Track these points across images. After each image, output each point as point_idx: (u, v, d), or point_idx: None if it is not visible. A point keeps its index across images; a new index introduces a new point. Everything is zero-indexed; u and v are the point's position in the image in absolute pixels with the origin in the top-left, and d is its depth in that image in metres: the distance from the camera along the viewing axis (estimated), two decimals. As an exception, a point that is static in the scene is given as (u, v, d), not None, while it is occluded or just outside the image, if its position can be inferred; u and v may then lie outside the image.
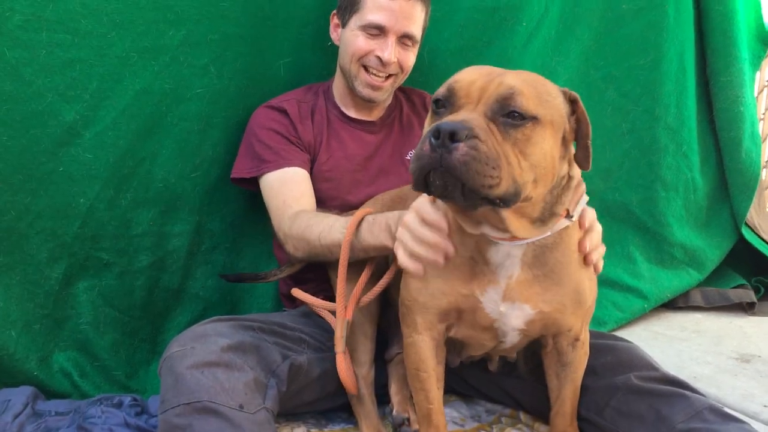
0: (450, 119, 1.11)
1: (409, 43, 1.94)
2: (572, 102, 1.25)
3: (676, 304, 2.83)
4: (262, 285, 2.17)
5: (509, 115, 1.13)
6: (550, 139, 1.17)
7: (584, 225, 1.38)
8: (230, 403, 1.38)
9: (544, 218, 1.27)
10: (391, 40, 1.89)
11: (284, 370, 1.58)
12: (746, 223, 2.99)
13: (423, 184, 1.14)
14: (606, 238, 2.72)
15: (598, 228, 1.46)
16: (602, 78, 2.68)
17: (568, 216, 1.31)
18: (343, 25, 1.95)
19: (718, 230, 2.96)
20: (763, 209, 3.28)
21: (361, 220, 1.59)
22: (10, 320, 1.88)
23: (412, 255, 1.37)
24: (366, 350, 1.74)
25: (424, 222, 1.35)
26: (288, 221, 1.80)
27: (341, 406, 1.81)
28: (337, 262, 1.61)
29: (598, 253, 1.43)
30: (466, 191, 1.09)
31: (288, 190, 1.88)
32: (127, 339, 2.06)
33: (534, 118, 1.14)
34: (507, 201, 1.14)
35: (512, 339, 1.47)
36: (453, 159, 1.07)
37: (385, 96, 1.99)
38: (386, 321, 1.84)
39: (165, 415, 1.38)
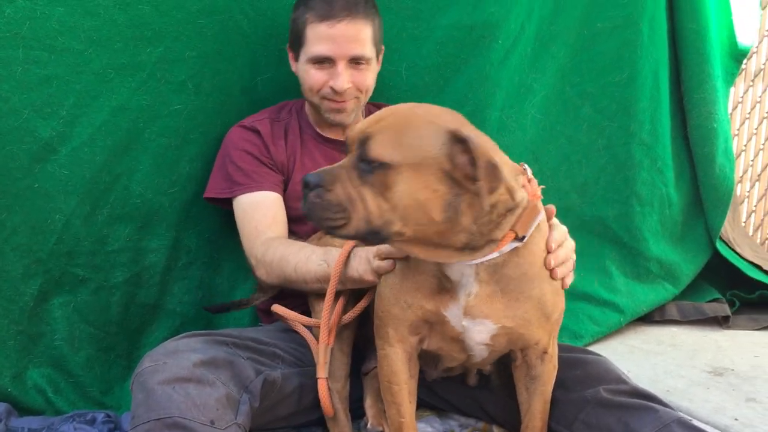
0: (318, 170, 1.27)
1: (363, 63, 1.90)
2: (461, 141, 1.21)
3: (652, 317, 2.86)
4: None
5: (365, 162, 1.21)
6: (412, 182, 1.19)
7: (551, 247, 1.41)
8: (201, 418, 1.37)
9: (474, 246, 1.29)
10: (341, 67, 1.87)
11: (257, 385, 1.58)
12: (721, 238, 3.03)
13: None
14: (582, 253, 2.74)
15: (569, 243, 1.48)
16: (578, 94, 2.72)
17: (520, 238, 1.33)
18: (296, 58, 1.95)
19: (693, 245, 3.00)
20: (738, 224, 3.33)
21: (349, 253, 1.62)
22: (-16, 336, 1.88)
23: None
24: (342, 365, 1.75)
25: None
26: (261, 248, 1.81)
27: (316, 421, 1.82)
28: (310, 291, 1.71)
29: (566, 267, 1.45)
30: None
31: (260, 215, 1.89)
32: (102, 355, 2.05)
33: (385, 164, 1.19)
34: (375, 237, 1.24)
35: (480, 353, 1.48)
36: (305, 205, 1.25)
37: (352, 117, 1.99)
38: (363, 336, 1.84)
39: (135, 431, 1.37)
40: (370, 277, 1.56)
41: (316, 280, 1.68)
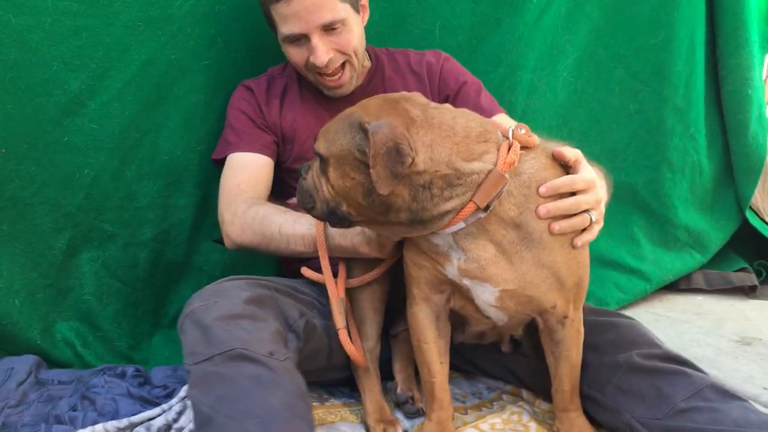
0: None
1: (338, 25, 1.76)
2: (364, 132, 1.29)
3: (678, 286, 2.83)
4: (265, 259, 2.16)
5: (318, 154, 1.37)
6: (336, 172, 1.34)
7: (543, 192, 1.35)
8: (261, 350, 1.38)
9: (422, 220, 1.32)
10: (315, 40, 1.75)
11: (300, 326, 1.58)
12: (750, 207, 2.98)
13: None
14: (610, 220, 2.72)
15: (586, 197, 1.38)
16: (611, 57, 2.66)
17: (484, 208, 1.32)
18: (277, 39, 1.86)
19: (722, 213, 2.95)
20: (767, 193, 3.27)
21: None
22: (14, 289, 1.89)
23: None
24: (374, 324, 1.73)
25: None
26: (243, 204, 1.76)
27: (344, 380, 1.82)
28: (289, 254, 1.71)
29: (569, 223, 1.36)
30: None
31: (246, 174, 1.84)
32: (130, 310, 2.06)
33: (323, 158, 1.35)
34: (335, 218, 1.41)
35: (496, 315, 1.48)
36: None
37: (353, 84, 1.90)
38: (393, 298, 1.84)
39: (199, 366, 1.37)
40: (365, 249, 1.58)
41: (302, 243, 1.66)
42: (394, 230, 1.39)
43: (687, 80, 2.75)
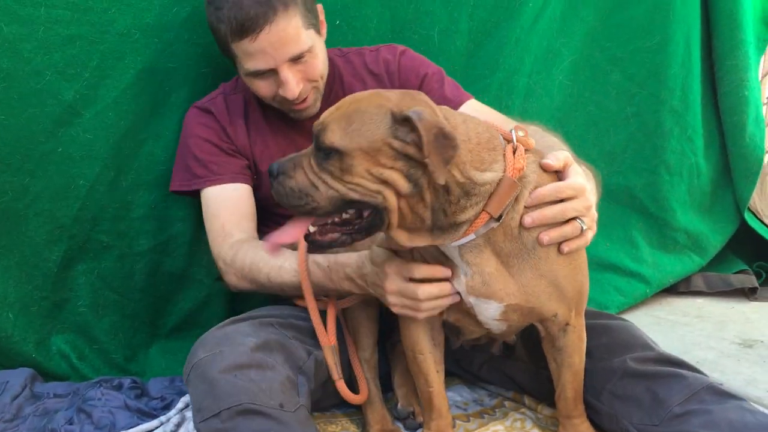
0: (284, 158, 1.31)
1: (305, 56, 1.69)
2: (406, 120, 1.21)
3: (677, 288, 2.82)
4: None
5: (321, 150, 1.24)
6: (365, 163, 1.22)
7: (531, 202, 1.32)
8: (271, 403, 1.34)
9: (441, 227, 1.27)
10: (284, 74, 1.67)
11: (311, 366, 1.56)
12: (749, 208, 2.98)
13: None
14: (608, 223, 2.75)
15: (572, 204, 1.33)
16: (607, 60, 2.65)
17: (496, 218, 1.28)
18: (234, 67, 1.77)
19: (721, 215, 2.94)
20: (765, 194, 3.27)
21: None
22: (8, 302, 1.87)
23: (422, 311, 1.41)
24: (369, 333, 1.71)
25: (412, 280, 1.39)
26: (230, 251, 1.71)
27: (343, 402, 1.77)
28: (288, 296, 1.70)
29: (558, 232, 1.32)
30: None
31: (227, 213, 1.77)
32: (126, 322, 2.04)
33: (338, 151, 1.22)
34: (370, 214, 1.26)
35: (497, 327, 1.46)
36: (273, 193, 1.29)
37: (317, 104, 1.82)
38: (387, 308, 1.81)
39: (206, 423, 1.34)
40: (356, 290, 1.54)
41: (294, 289, 1.63)
42: (416, 238, 1.29)
43: (683, 82, 2.75)
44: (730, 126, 2.89)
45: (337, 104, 1.28)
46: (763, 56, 3.10)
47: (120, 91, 1.86)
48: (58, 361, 1.96)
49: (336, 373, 1.59)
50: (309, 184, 1.25)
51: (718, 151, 2.93)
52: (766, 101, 3.49)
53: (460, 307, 1.42)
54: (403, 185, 1.22)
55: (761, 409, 1.45)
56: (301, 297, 1.62)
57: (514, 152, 1.30)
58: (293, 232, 1.31)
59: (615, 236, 2.72)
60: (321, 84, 1.79)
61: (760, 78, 3.13)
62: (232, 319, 1.60)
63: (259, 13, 1.60)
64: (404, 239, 1.28)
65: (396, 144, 1.21)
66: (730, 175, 2.95)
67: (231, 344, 1.44)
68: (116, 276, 1.99)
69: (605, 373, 1.57)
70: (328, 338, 1.59)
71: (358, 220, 1.27)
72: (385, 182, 1.22)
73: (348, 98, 1.28)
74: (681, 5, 2.69)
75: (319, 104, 1.83)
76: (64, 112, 1.82)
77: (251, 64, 1.67)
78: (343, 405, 1.80)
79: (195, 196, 1.86)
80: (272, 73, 1.69)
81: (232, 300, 2.14)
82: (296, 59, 1.68)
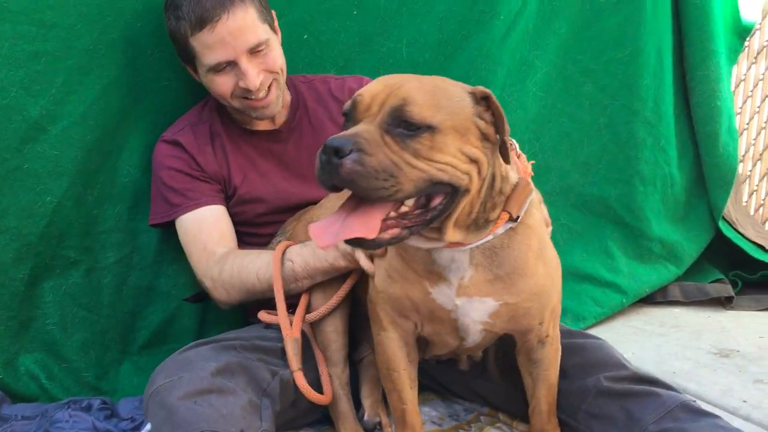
0: (341, 134, 1.12)
1: (263, 47, 1.74)
2: (484, 99, 1.21)
3: (654, 298, 2.82)
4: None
5: (403, 126, 1.12)
6: (457, 142, 1.16)
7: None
8: (231, 429, 1.32)
9: (478, 224, 1.26)
10: (244, 65, 1.72)
11: (275, 388, 1.54)
12: (723, 218, 2.99)
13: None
14: (584, 233, 2.75)
15: None
16: (580, 72, 2.67)
17: (513, 219, 1.29)
18: (195, 71, 1.82)
19: (695, 224, 2.96)
20: (740, 203, 3.29)
21: (284, 251, 1.66)
22: (-26, 323, 1.83)
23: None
24: (338, 347, 1.70)
25: None
26: (216, 267, 1.74)
27: (327, 416, 1.76)
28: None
29: None
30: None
31: (206, 234, 1.80)
32: (96, 339, 2.01)
33: (429, 127, 1.13)
34: (447, 190, 1.15)
35: (474, 337, 1.44)
36: (341, 174, 1.08)
37: (279, 103, 1.86)
38: (354, 321, 1.80)
39: None
40: (342, 263, 1.57)
41: (285, 283, 1.64)
42: (456, 230, 1.23)
43: (655, 93, 2.77)
44: (704, 136, 2.92)
45: (388, 83, 1.19)
46: (734, 66, 3.13)
47: (86, 107, 1.85)
48: (27, 381, 1.92)
49: (294, 364, 1.57)
50: (392, 164, 1.10)
51: (691, 161, 2.95)
52: (739, 111, 3.53)
53: (435, 317, 1.40)
54: (485, 167, 1.19)
55: (735, 425, 1.45)
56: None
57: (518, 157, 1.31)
58: (359, 225, 1.12)
59: (591, 247, 2.73)
60: (281, 78, 1.82)
61: (732, 88, 3.17)
62: (194, 343, 1.59)
63: (216, 4, 1.67)
64: (449, 232, 1.22)
65: (480, 123, 1.19)
66: (704, 184, 2.97)
67: (191, 369, 1.42)
68: (84, 292, 1.96)
69: (580, 393, 1.57)
70: (291, 331, 1.59)
71: (419, 211, 1.17)
72: (474, 162, 1.17)
73: (397, 77, 1.20)
74: (652, 17, 2.72)
75: (281, 102, 1.86)
76: (30, 128, 1.80)
77: (211, 58, 1.70)
78: (316, 423, 1.78)
79: (170, 227, 1.89)
80: (232, 66, 1.72)
81: (202, 313, 2.12)
82: (254, 50, 1.72)
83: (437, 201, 1.17)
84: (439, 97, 1.16)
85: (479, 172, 1.18)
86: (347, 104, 1.20)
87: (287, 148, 1.94)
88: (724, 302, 2.80)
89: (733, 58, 3.03)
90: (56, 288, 1.93)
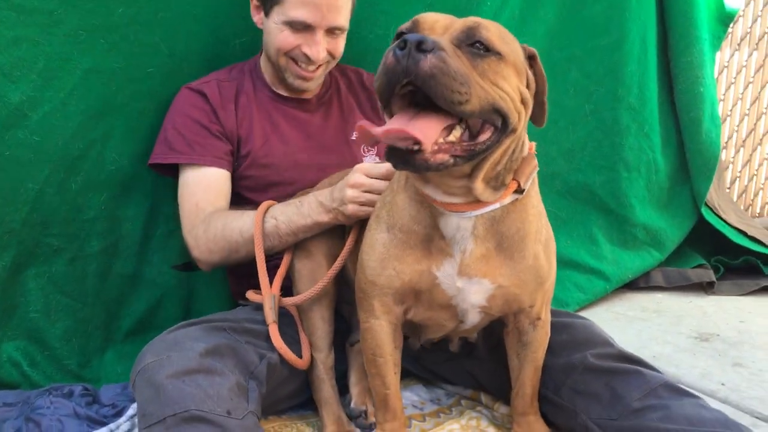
0: (420, 35, 1.08)
1: (338, 33, 1.84)
2: (530, 58, 1.26)
3: (637, 284, 2.86)
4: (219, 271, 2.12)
5: (474, 45, 1.13)
6: (515, 78, 1.19)
7: None
8: (217, 410, 1.31)
9: (496, 184, 1.28)
10: (319, 35, 1.79)
11: (262, 370, 1.54)
12: (706, 204, 3.02)
13: (387, 101, 1.14)
14: (569, 220, 2.76)
15: None
16: (565, 58, 2.68)
17: (519, 190, 1.30)
18: (265, 13, 1.85)
19: (678, 211, 2.99)
20: (722, 190, 3.32)
21: (267, 209, 1.68)
22: (-44, 310, 1.82)
23: (366, 204, 1.53)
24: (324, 334, 1.70)
25: (370, 176, 1.53)
26: (202, 225, 1.76)
27: (311, 400, 1.76)
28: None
29: None
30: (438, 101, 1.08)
31: (202, 191, 1.81)
32: (80, 326, 2.00)
33: (498, 53, 1.14)
34: (498, 123, 1.17)
35: (473, 318, 1.44)
36: (421, 69, 1.05)
37: (317, 84, 1.94)
38: (348, 304, 1.81)
39: (150, 429, 1.30)
40: (325, 218, 1.61)
41: (268, 239, 1.66)
42: (477, 184, 1.24)
43: (640, 80, 2.78)
44: (687, 123, 2.94)
45: (458, 21, 1.18)
46: (718, 53, 3.14)
47: (67, 93, 1.83)
48: (9, 369, 1.91)
49: (270, 317, 1.60)
50: (465, 74, 1.09)
51: (675, 148, 2.98)
52: (722, 98, 3.55)
53: (434, 301, 1.40)
54: (526, 115, 1.23)
55: (720, 404, 1.47)
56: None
57: None
58: (419, 128, 1.09)
59: (575, 233, 2.75)
60: (331, 65, 1.92)
61: (715, 75, 3.18)
62: (183, 323, 1.58)
63: None
64: (479, 183, 1.24)
65: (529, 73, 1.24)
66: (687, 171, 3.00)
67: (180, 349, 1.41)
68: (68, 280, 1.95)
69: (565, 369, 1.58)
70: (270, 288, 1.63)
71: (467, 143, 1.15)
72: (523, 104, 1.21)
73: (463, 19, 1.20)
74: (636, 4, 2.73)
75: (319, 84, 1.96)
76: (10, 114, 1.78)
77: (298, 13, 1.75)
78: (299, 407, 1.79)
79: (170, 175, 1.90)
80: (307, 30, 1.78)
81: (186, 300, 2.12)
82: (333, 31, 1.82)
83: (485, 136, 1.17)
84: (504, 33, 1.20)
85: (524, 116, 1.22)
86: (407, 24, 1.21)
87: (313, 119, 1.98)
88: (705, 287, 2.83)
89: (716, 45, 3.05)
90: (39, 275, 1.92)
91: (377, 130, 1.09)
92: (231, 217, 1.72)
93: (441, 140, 1.11)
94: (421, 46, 1.05)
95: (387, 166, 1.53)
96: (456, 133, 1.13)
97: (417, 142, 1.07)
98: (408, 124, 1.09)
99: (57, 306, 1.96)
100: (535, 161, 1.34)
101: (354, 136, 1.99)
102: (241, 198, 1.91)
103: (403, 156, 1.10)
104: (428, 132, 1.09)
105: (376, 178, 1.54)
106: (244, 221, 1.68)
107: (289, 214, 1.65)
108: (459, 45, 1.12)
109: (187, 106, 1.87)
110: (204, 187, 1.82)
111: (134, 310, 2.06)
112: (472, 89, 1.09)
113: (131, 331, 2.08)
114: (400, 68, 1.06)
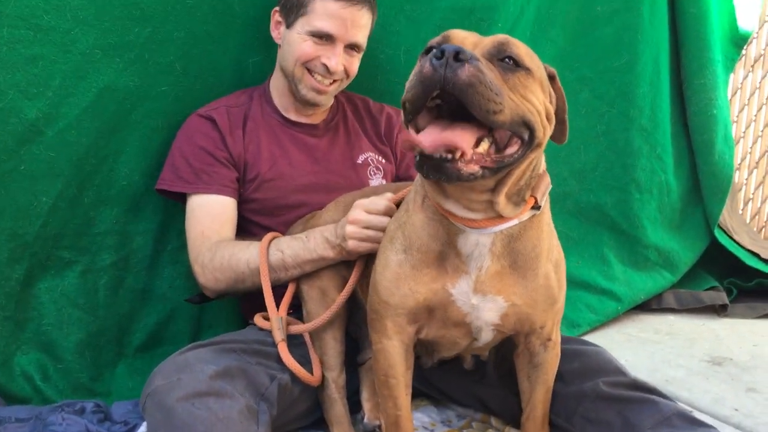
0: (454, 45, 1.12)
1: (356, 51, 1.90)
2: (550, 77, 1.29)
3: (649, 306, 2.83)
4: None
5: (504, 60, 1.17)
6: (541, 94, 1.22)
7: None
8: None
9: (518, 200, 1.28)
10: (339, 48, 1.85)
11: (273, 392, 1.53)
12: (719, 226, 3.00)
13: (416, 113, 1.16)
14: (580, 240, 2.75)
15: None
16: (577, 80, 2.68)
17: (536, 206, 1.31)
18: (288, 25, 1.88)
19: (691, 232, 2.97)
20: (735, 212, 3.30)
21: (272, 240, 1.73)
22: (-31, 324, 1.84)
23: (365, 240, 1.56)
24: (335, 353, 1.70)
25: (370, 213, 1.56)
26: (208, 253, 1.77)
27: (321, 419, 1.76)
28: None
29: None
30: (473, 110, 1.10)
31: (209, 219, 1.83)
32: (92, 340, 2.01)
33: (527, 69, 1.18)
34: (526, 136, 1.18)
35: (486, 336, 1.43)
36: (459, 78, 1.07)
37: (329, 100, 1.97)
38: (356, 324, 1.81)
39: None
40: (330, 253, 1.63)
41: (273, 272, 1.68)
42: (498, 198, 1.24)
43: (652, 101, 2.78)
44: (700, 144, 2.93)
45: (486, 38, 1.22)
46: (731, 75, 3.14)
47: (82, 110, 1.85)
48: (22, 383, 1.92)
49: (278, 336, 1.62)
50: (501, 86, 1.13)
51: (687, 169, 2.97)
52: (735, 119, 3.54)
53: (449, 319, 1.39)
54: (549, 130, 1.25)
55: (733, 431, 1.46)
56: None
57: None
58: (457, 136, 1.11)
59: (587, 254, 2.74)
60: (344, 84, 1.96)
61: (728, 97, 3.18)
62: (193, 344, 1.58)
63: None
64: (502, 198, 1.24)
65: (551, 91, 1.28)
66: (700, 192, 2.99)
67: (190, 371, 1.41)
68: (80, 293, 1.97)
69: (577, 397, 1.57)
70: (277, 311, 1.65)
71: (495, 156, 1.17)
72: (548, 118, 1.23)
73: (501, 34, 1.23)
74: (649, 26, 2.73)
75: (330, 101, 2.01)
76: (26, 130, 1.81)
77: (324, 24, 1.81)
78: (310, 427, 1.78)
79: (177, 199, 1.92)
80: (329, 42, 1.84)
81: (197, 315, 2.12)
82: (352, 47, 1.88)
83: (512, 149, 1.18)
84: (530, 51, 1.23)
85: (548, 131, 1.24)
86: (436, 38, 1.23)
87: (321, 144, 2.00)
88: (718, 310, 2.81)
89: (729, 67, 3.05)
90: (52, 288, 1.94)
91: (421, 140, 1.11)
92: (238, 248, 1.74)
93: (470, 151, 1.13)
94: (458, 56, 1.07)
95: (385, 203, 1.57)
96: (484, 146, 1.15)
97: (450, 150, 1.10)
98: (445, 134, 1.11)
99: (69, 319, 1.97)
100: (548, 178, 1.35)
101: (360, 159, 2.02)
102: (247, 221, 1.92)
103: (437, 164, 1.11)
104: (465, 138, 1.12)
105: (375, 214, 1.57)
106: (251, 252, 1.70)
107: (296, 249, 1.67)
108: (490, 59, 1.16)
109: (195, 133, 1.89)
110: (210, 216, 1.84)
111: (145, 324, 2.07)
112: (505, 101, 1.12)
113: (142, 345, 2.08)
114: (437, 77, 1.07)
